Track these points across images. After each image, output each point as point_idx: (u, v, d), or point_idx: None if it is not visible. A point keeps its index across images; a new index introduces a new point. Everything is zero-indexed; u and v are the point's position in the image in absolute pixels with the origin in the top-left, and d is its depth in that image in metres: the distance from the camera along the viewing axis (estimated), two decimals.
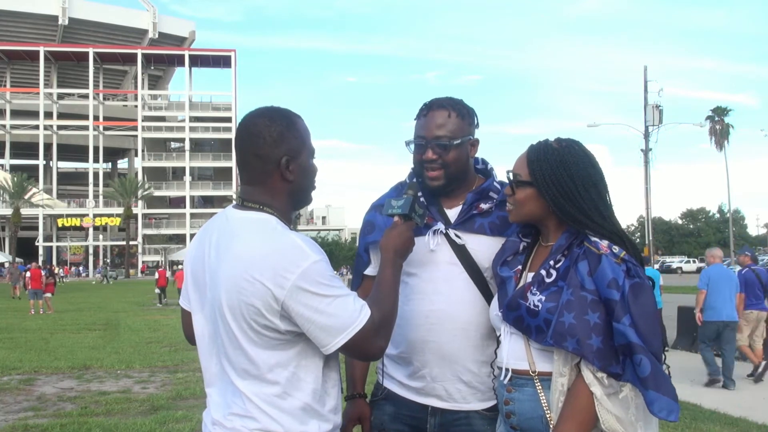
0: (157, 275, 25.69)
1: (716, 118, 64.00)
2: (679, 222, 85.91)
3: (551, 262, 1.75)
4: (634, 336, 1.58)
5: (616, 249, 1.69)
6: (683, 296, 24.04)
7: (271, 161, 1.63)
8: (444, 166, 1.94)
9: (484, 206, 1.98)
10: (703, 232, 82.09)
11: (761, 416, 6.14)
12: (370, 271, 2.07)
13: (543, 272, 1.75)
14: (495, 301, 1.88)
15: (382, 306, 1.62)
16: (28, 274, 23.42)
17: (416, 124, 2.01)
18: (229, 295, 1.54)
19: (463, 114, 1.97)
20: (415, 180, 2.02)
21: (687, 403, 6.55)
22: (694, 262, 63.73)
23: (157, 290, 25.18)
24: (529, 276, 1.81)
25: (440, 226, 1.97)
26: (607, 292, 1.63)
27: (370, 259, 2.07)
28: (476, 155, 2.07)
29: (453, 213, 2.00)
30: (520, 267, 1.85)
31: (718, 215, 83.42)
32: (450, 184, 1.98)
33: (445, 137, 1.93)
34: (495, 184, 2.03)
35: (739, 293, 8.36)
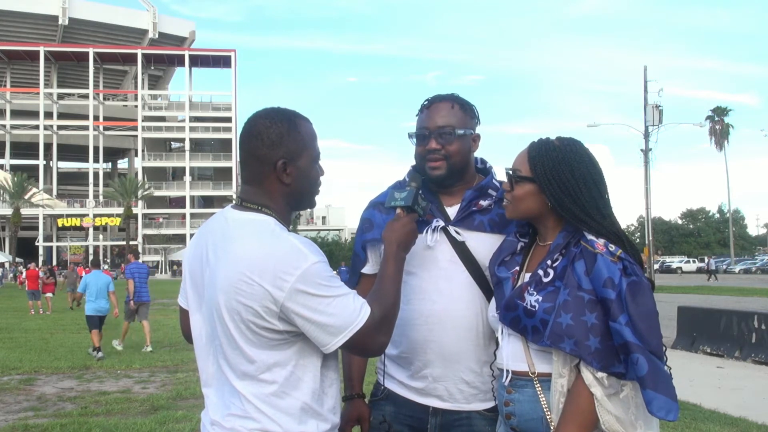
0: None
1: (716, 118, 64.12)
2: (679, 222, 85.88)
3: (548, 262, 1.74)
4: (630, 335, 1.57)
5: (612, 248, 1.68)
6: (683, 296, 24.08)
7: (268, 163, 1.62)
8: (446, 157, 1.94)
9: (483, 203, 1.98)
10: (703, 232, 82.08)
11: (761, 416, 6.14)
12: (367, 269, 2.06)
13: (540, 272, 1.74)
14: (493, 302, 1.87)
15: (384, 301, 1.61)
16: (23, 274, 23.50)
17: (418, 119, 2.01)
18: (227, 296, 1.53)
19: (465, 107, 1.98)
20: (413, 178, 2.01)
21: (687, 403, 6.54)
22: (694, 262, 63.78)
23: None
24: (526, 276, 1.80)
25: (440, 222, 1.96)
26: (603, 291, 1.62)
27: (368, 257, 2.05)
28: (476, 155, 2.07)
29: (452, 211, 2.00)
30: (517, 268, 1.84)
31: (718, 215, 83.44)
32: (451, 176, 1.97)
33: (448, 126, 1.93)
34: (494, 181, 2.03)
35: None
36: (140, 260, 15.06)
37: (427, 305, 1.94)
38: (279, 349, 1.55)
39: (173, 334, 13.13)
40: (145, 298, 11.82)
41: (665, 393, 1.56)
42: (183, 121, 79.21)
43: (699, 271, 61.16)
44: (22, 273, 35.83)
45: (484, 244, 1.95)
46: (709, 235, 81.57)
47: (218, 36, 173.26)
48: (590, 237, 1.71)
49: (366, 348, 1.59)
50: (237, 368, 1.56)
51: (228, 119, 78.11)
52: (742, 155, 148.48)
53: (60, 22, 78.47)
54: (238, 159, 1.71)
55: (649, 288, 1.66)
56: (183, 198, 76.20)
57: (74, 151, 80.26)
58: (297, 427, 1.55)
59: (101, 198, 74.48)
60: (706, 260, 54.01)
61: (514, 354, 1.76)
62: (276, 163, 1.62)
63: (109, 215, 72.78)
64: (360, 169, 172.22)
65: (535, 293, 1.71)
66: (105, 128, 78.76)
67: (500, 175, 2.04)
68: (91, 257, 25.26)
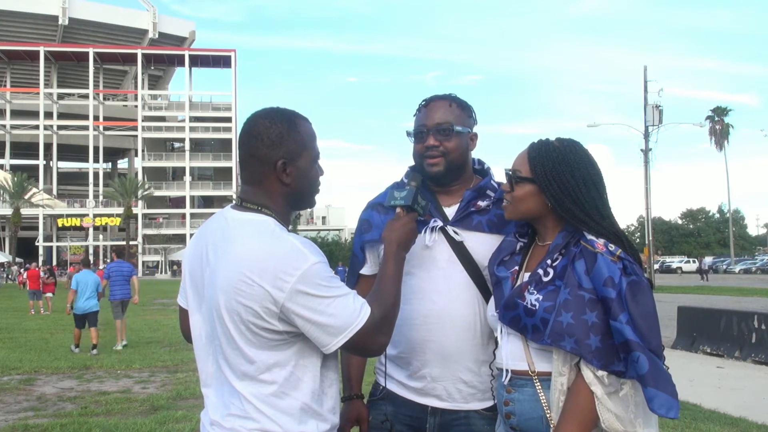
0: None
1: (716, 118, 64.15)
2: (679, 222, 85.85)
3: (548, 261, 1.75)
4: (631, 333, 1.57)
5: (612, 247, 1.69)
6: (683, 296, 24.08)
7: (268, 163, 1.62)
8: (444, 154, 1.95)
9: (481, 203, 1.99)
10: (703, 232, 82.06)
11: (761, 416, 6.14)
12: (365, 270, 2.06)
13: (540, 271, 1.75)
14: (492, 302, 1.88)
15: (384, 301, 1.61)
16: (24, 275, 23.29)
17: (416, 118, 2.02)
18: (227, 296, 1.53)
19: (463, 106, 2.00)
20: (413, 177, 2.02)
21: (687, 403, 6.54)
22: (694, 262, 63.77)
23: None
24: (525, 276, 1.81)
25: (438, 222, 1.97)
26: (604, 290, 1.62)
27: (366, 258, 2.06)
28: (474, 156, 2.08)
29: (450, 211, 2.00)
30: (516, 267, 1.85)
31: (718, 215, 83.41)
32: (449, 173, 1.97)
33: (446, 123, 1.95)
34: (492, 182, 2.04)
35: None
36: (132, 259, 15.25)
37: (426, 305, 1.94)
38: (279, 350, 1.55)
39: (173, 334, 13.13)
40: (119, 296, 11.93)
41: (666, 390, 1.56)
42: (183, 121, 79.19)
43: (698, 271, 61.24)
44: (22, 274, 35.76)
45: (482, 244, 1.95)
46: (709, 235, 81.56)
47: (218, 36, 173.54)
48: (590, 237, 1.71)
49: (366, 348, 1.59)
50: (237, 368, 1.56)
51: (228, 119, 78.09)
52: (742, 155, 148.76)
53: (60, 22, 78.46)
54: (238, 159, 1.71)
55: (648, 287, 1.66)
56: (183, 198, 76.19)
57: (74, 151, 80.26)
58: (297, 427, 1.55)
59: (101, 198, 74.45)
60: (700, 260, 54.53)
61: (513, 353, 1.77)
62: (276, 163, 1.62)
63: (109, 215, 72.77)
64: (360, 169, 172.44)
65: (536, 292, 1.72)
66: (105, 128, 78.74)
67: (499, 176, 2.05)
68: (91, 257, 25.13)
